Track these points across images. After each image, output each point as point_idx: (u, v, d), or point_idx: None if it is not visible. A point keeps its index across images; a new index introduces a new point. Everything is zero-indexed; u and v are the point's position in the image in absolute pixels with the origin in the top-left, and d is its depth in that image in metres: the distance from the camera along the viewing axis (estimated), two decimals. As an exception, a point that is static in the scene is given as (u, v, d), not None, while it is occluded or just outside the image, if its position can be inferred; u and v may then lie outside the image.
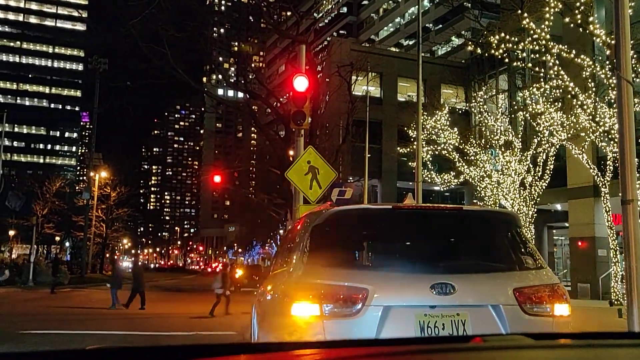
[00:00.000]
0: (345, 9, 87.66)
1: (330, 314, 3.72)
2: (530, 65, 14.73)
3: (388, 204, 4.54)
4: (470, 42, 18.57)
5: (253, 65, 42.05)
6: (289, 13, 29.59)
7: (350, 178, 34.32)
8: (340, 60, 32.17)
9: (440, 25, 63.47)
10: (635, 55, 14.06)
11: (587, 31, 10.05)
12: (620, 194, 6.25)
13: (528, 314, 3.86)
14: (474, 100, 23.40)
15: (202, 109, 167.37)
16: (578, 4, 10.02)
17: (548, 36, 11.09)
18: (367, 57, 32.80)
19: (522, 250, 4.29)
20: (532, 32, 11.11)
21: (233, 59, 33.15)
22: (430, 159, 23.88)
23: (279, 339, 3.96)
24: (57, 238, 62.64)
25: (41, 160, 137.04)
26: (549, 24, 10.97)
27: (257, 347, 1.76)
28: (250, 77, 32.44)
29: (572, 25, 10.40)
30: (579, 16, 10.12)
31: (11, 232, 57.00)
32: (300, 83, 11.31)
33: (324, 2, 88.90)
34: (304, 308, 3.74)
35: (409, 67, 32.52)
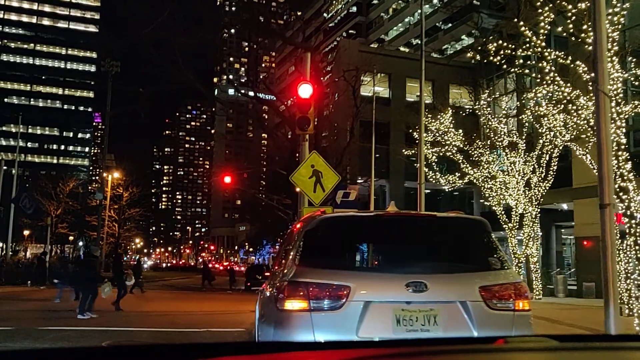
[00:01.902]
0: (354, 9, 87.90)
1: (317, 308, 4.26)
2: (527, 71, 15.09)
3: (372, 212, 5.06)
4: (469, 50, 18.91)
5: (263, 65, 42.48)
6: (299, 13, 29.96)
7: (360, 178, 34.74)
8: (348, 62, 32.55)
9: (450, 25, 63.58)
10: (634, 60, 14.38)
11: (579, 39, 10.41)
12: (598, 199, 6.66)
13: (492, 309, 4.35)
14: (477, 103, 23.68)
15: (213, 109, 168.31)
16: (570, 14, 10.37)
17: (544, 44, 11.45)
18: (374, 58, 33.13)
19: (490, 253, 4.79)
20: (527, 39, 11.49)
21: (244, 59, 33.56)
22: (436, 160, 24.16)
23: (273, 332, 4.49)
24: (71, 237, 63.61)
25: (54, 161, 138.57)
26: (544, 32, 11.33)
27: (258, 348, 1.80)
28: (261, 77, 32.89)
29: (564, 34, 10.80)
30: (570, 25, 10.50)
31: (26, 232, 58.05)
32: (305, 90, 11.79)
33: (334, 2, 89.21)
34: (295, 304, 4.29)
35: (417, 67, 32.77)
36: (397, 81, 41.37)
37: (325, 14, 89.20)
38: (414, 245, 4.94)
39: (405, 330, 4.18)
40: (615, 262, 6.40)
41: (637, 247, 10.90)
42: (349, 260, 5.00)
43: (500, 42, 12.31)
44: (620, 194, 11.49)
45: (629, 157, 11.36)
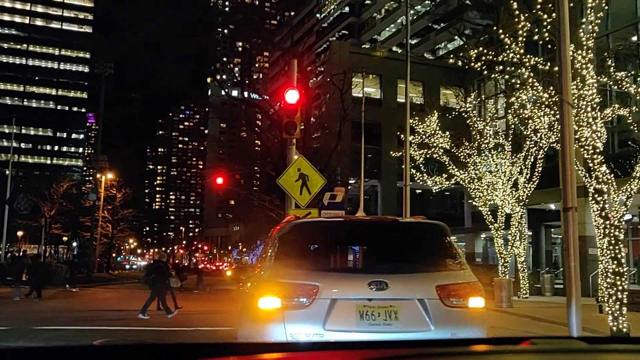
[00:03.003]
0: (347, 9, 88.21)
1: (289, 306, 4.68)
2: (507, 77, 15.50)
3: (340, 217, 5.48)
4: (451, 55, 19.33)
5: (257, 65, 42.69)
6: (292, 13, 30.23)
7: (351, 179, 35.09)
8: (339, 63, 32.90)
9: (442, 25, 63.94)
10: (612, 63, 14.77)
11: (555, 47, 10.77)
12: (562, 202, 7.04)
13: (447, 306, 4.76)
14: (465, 105, 24.04)
15: (206, 109, 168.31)
16: (545, 22, 10.75)
17: (522, 50, 11.84)
18: (365, 60, 33.45)
19: (448, 255, 5.21)
20: (506, 46, 11.88)
21: (237, 59, 33.81)
22: (423, 161, 24.46)
23: (249, 328, 4.91)
24: (65, 238, 63.77)
25: (48, 162, 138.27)
26: (522, 39, 11.72)
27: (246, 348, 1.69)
28: (254, 77, 33.14)
29: (540, 42, 11.19)
30: (546, 34, 10.87)
31: (19, 233, 58.20)
32: (291, 96, 12.15)
33: (327, 2, 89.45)
34: (269, 302, 4.72)
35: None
36: (389, 82, 41.76)
37: (317, 15, 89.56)
38: (378, 248, 5.36)
39: (368, 324, 4.60)
40: (578, 263, 6.79)
41: (610, 247, 11.31)
42: (318, 262, 5.38)
43: (481, 48, 12.69)
44: (596, 195, 11.88)
45: (603, 160, 11.76)
